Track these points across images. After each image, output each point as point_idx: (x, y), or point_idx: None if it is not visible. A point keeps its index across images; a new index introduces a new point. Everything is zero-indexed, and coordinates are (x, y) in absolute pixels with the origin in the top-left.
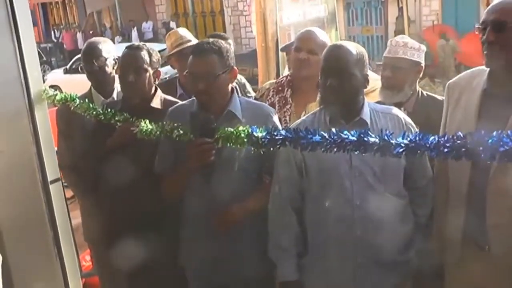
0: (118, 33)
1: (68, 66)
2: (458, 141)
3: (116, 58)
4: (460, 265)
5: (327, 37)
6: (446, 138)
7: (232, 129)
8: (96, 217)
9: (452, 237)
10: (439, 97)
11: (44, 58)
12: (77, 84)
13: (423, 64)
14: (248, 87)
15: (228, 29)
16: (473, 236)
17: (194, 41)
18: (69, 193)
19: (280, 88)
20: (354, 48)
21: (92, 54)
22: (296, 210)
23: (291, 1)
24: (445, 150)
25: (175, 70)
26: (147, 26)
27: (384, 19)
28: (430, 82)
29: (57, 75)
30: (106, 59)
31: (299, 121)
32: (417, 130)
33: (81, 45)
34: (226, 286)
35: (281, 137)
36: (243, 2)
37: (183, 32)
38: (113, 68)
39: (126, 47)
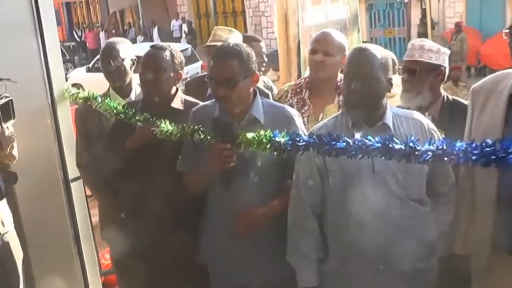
0: (140, 32)
1: (90, 65)
2: (487, 149)
3: (135, 59)
4: (489, 272)
5: (344, 39)
6: (474, 145)
7: (253, 134)
8: (113, 216)
9: (479, 244)
10: (465, 101)
11: (67, 57)
12: (99, 83)
13: (444, 67)
14: (276, 90)
15: (250, 30)
16: (503, 243)
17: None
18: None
19: (298, 90)
20: (378, 51)
21: (110, 55)
22: (317, 216)
23: (313, 3)
24: (474, 157)
25: (196, 70)
26: (177, 24)
27: (406, 20)
28: (453, 85)
29: (79, 74)
30: (123, 60)
31: (320, 124)
32: (440, 135)
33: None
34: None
35: (304, 143)
36: (264, 3)
37: (221, 31)
38: (130, 69)
39: (150, 46)
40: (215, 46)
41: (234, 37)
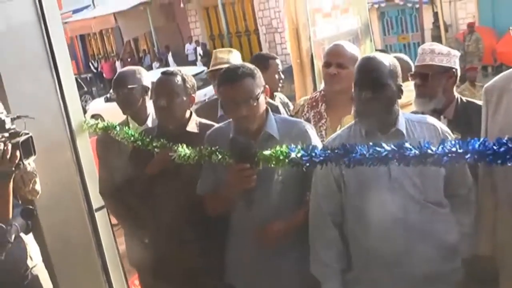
0: (156, 59)
1: (109, 95)
2: (502, 147)
3: (147, 87)
4: None
5: (357, 50)
6: (488, 144)
7: (270, 151)
8: (138, 243)
9: (506, 244)
10: (479, 102)
11: (85, 89)
12: (118, 112)
13: (456, 69)
14: (291, 105)
15: (264, 47)
16: None
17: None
18: (115, 220)
19: (314, 104)
20: (386, 58)
21: (117, 84)
22: (337, 225)
23: (323, 16)
24: (489, 157)
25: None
26: (191, 47)
27: (420, 25)
28: (470, 86)
29: (98, 104)
30: (131, 89)
31: (334, 135)
32: (453, 137)
33: None
34: None
35: (320, 158)
36: (277, 20)
37: (221, 53)
38: (142, 96)
39: (161, 73)
40: (220, 69)
41: (234, 57)
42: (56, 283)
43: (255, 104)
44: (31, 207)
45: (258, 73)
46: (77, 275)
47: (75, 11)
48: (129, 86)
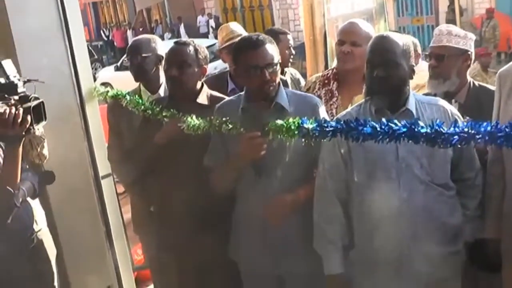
0: (167, 29)
1: (119, 64)
2: None
3: (162, 56)
4: None
5: (371, 28)
6: (499, 127)
7: (282, 122)
8: (144, 210)
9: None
10: (492, 87)
11: (96, 56)
12: (128, 81)
13: (471, 52)
14: (302, 82)
15: (277, 23)
16: None
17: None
18: (121, 188)
19: (326, 81)
20: (400, 38)
21: (132, 52)
22: (342, 202)
23: None
24: (500, 139)
25: (225, 65)
26: (203, 20)
27: (435, 8)
28: (483, 72)
29: (108, 73)
30: (145, 57)
31: (343, 112)
32: (463, 121)
33: None
34: (279, 278)
35: (331, 129)
36: None
37: (235, 26)
38: (155, 65)
39: (174, 42)
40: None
41: (243, 30)
42: (60, 248)
43: (277, 69)
44: (51, 171)
45: (275, 44)
46: (81, 241)
47: None
48: (144, 54)
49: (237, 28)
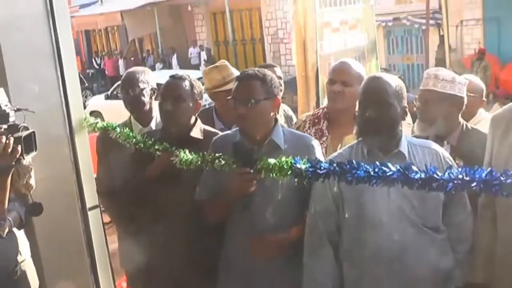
0: (159, 60)
1: (109, 92)
2: (509, 179)
3: (155, 88)
4: None
5: (363, 68)
6: (495, 175)
7: (275, 160)
8: (133, 246)
9: (504, 273)
10: (484, 131)
11: (86, 84)
12: (117, 110)
13: (461, 97)
14: (295, 119)
15: (268, 57)
16: None
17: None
18: (107, 218)
19: (316, 120)
20: (392, 79)
21: (128, 84)
22: (333, 244)
23: (332, 30)
24: (495, 188)
25: None
26: (194, 51)
27: (425, 47)
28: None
29: (98, 101)
30: (142, 89)
31: (335, 154)
32: (455, 165)
33: (123, 71)
34: None
35: (324, 170)
36: (283, 30)
37: (232, 68)
38: (150, 98)
39: (170, 76)
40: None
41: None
42: (43, 279)
43: (254, 106)
44: (39, 202)
45: (272, 81)
46: (66, 273)
47: (82, 6)
48: (141, 86)
49: (234, 70)
